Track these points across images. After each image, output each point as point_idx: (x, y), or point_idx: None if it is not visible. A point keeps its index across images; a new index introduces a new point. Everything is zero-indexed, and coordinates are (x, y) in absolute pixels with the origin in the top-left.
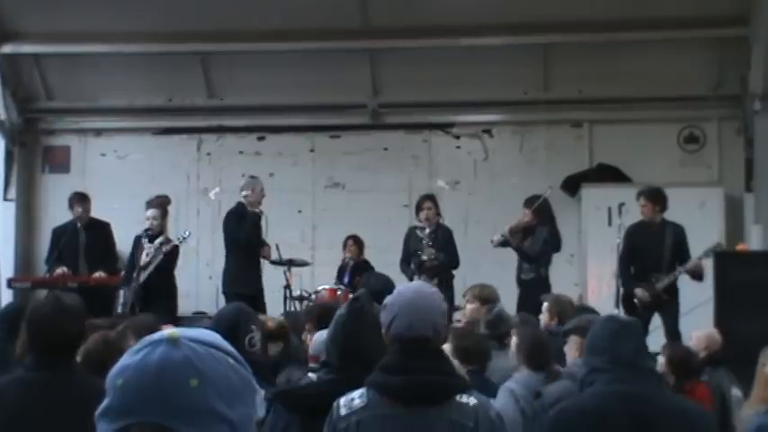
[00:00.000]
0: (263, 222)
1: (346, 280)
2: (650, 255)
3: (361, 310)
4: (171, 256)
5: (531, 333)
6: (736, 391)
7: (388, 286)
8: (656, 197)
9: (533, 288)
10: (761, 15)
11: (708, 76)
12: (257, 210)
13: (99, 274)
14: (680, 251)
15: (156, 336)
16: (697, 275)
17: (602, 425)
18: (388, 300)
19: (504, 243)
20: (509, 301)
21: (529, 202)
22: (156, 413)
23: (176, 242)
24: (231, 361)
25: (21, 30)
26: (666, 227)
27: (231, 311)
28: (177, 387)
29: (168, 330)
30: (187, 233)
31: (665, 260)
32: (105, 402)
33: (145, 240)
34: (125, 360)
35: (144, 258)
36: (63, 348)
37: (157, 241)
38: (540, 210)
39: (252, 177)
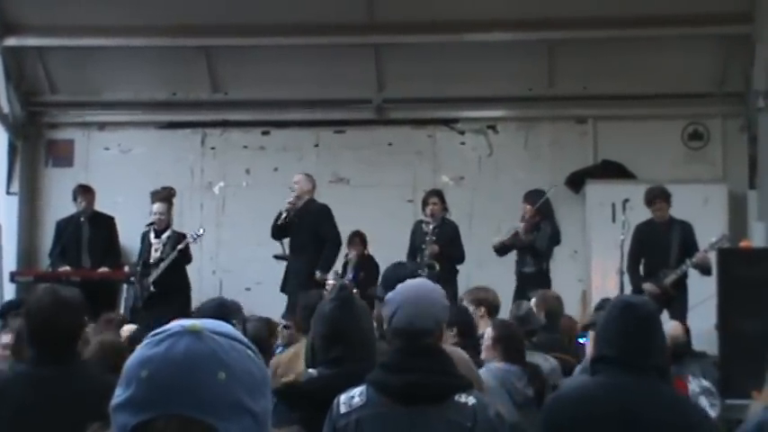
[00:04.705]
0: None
1: (351, 275)
2: (659, 252)
3: (350, 297)
4: (185, 253)
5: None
6: (700, 382)
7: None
8: (668, 196)
9: (534, 281)
10: (765, 13)
11: (712, 73)
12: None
13: (103, 270)
14: (688, 248)
15: (174, 326)
16: (705, 269)
17: (590, 412)
18: (389, 295)
19: (501, 249)
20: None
21: (528, 198)
22: (185, 406)
23: (190, 240)
24: (250, 353)
25: (24, 23)
26: (674, 224)
27: (213, 306)
28: (206, 380)
29: (188, 321)
30: (201, 231)
31: (674, 257)
32: (125, 394)
33: (151, 235)
34: (145, 351)
35: (153, 255)
36: (62, 342)
37: (164, 236)
38: (543, 207)
39: None
